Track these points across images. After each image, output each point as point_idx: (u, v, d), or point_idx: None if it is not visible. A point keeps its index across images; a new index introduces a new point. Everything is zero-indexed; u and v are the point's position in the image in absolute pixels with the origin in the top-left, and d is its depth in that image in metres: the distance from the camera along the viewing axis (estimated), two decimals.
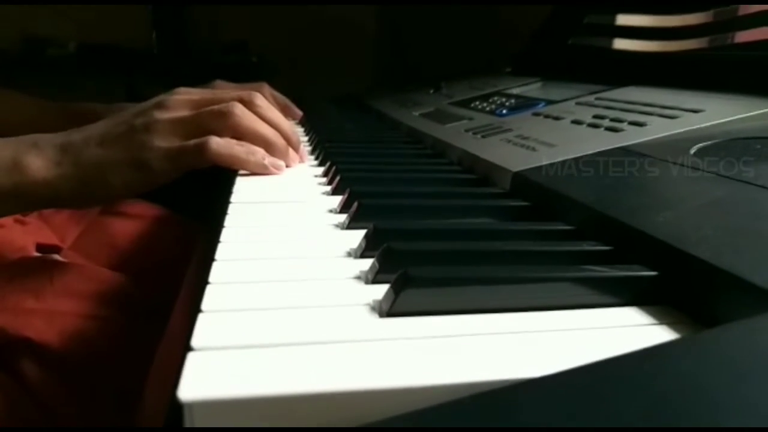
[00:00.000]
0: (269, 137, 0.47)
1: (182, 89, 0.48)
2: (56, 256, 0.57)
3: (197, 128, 0.44)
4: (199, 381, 0.17)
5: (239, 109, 0.45)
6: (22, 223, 0.61)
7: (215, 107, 0.45)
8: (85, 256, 0.64)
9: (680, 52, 0.58)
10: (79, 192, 0.42)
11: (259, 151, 0.45)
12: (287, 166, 0.48)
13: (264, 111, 0.47)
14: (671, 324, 0.22)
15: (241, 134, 0.45)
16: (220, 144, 0.42)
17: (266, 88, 0.79)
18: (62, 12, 1.77)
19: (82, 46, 1.81)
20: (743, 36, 0.54)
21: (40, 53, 1.77)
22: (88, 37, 1.80)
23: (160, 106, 0.45)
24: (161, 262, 0.65)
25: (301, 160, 0.51)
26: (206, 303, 0.22)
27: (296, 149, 0.50)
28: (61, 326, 0.46)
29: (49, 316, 0.46)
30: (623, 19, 0.69)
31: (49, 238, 0.63)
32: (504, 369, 0.18)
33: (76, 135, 0.43)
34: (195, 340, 0.19)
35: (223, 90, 0.52)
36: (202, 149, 0.42)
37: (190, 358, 0.18)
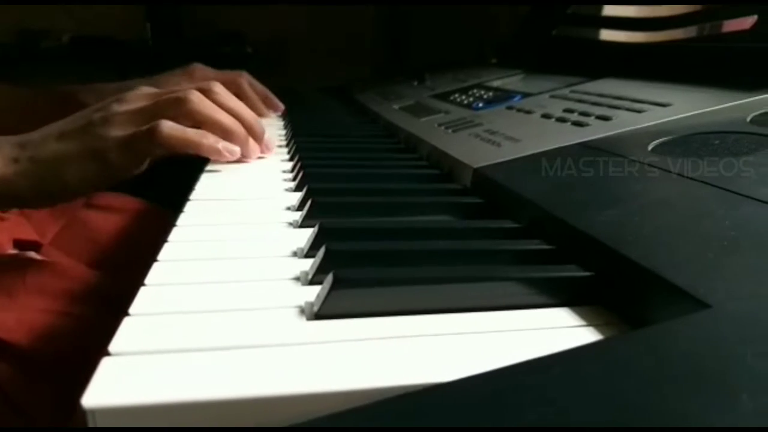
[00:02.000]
0: (227, 125, 0.46)
1: (143, 86, 0.48)
2: (32, 254, 0.57)
3: (154, 117, 0.43)
4: (107, 387, 0.17)
5: (195, 96, 0.44)
6: (0, 219, 0.61)
7: (171, 95, 0.45)
8: (66, 251, 0.64)
9: (659, 43, 0.57)
10: (37, 189, 0.42)
11: (214, 135, 0.45)
12: (245, 157, 0.48)
13: (222, 98, 0.47)
14: (600, 326, 0.22)
15: (198, 121, 0.45)
16: (171, 127, 0.42)
17: (245, 76, 0.78)
18: (57, 4, 1.76)
19: (77, 39, 1.80)
20: (722, 27, 0.53)
21: (35, 46, 1.77)
22: (83, 29, 1.80)
23: (119, 100, 0.45)
24: (144, 258, 0.65)
25: (263, 152, 0.51)
26: (135, 306, 0.22)
27: (258, 140, 0.50)
28: (32, 325, 0.46)
29: (19, 314, 0.46)
30: (605, 10, 0.69)
31: (28, 234, 0.63)
32: (417, 373, 0.18)
33: (35, 133, 0.43)
34: (113, 345, 0.19)
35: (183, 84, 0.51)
36: (153, 133, 0.42)
37: (104, 363, 0.18)
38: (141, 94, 0.45)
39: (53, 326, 0.48)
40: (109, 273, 0.58)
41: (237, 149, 0.46)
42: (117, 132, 0.42)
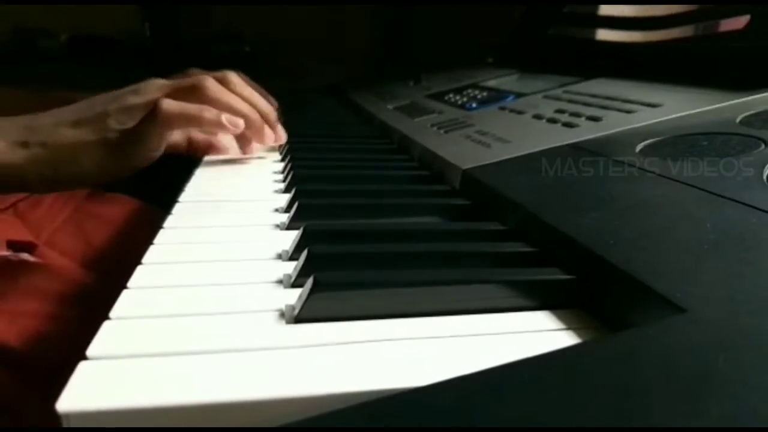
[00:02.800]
0: (244, 111, 0.47)
1: (156, 80, 0.48)
2: (26, 255, 0.58)
3: None
4: (83, 391, 0.17)
5: (210, 83, 0.45)
6: None
7: (186, 82, 0.46)
8: (60, 252, 0.64)
9: (652, 43, 0.57)
10: (47, 174, 0.43)
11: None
12: (261, 143, 0.49)
13: (238, 87, 0.48)
14: (580, 329, 0.22)
15: (214, 107, 0.45)
16: (170, 103, 0.42)
17: (240, 75, 0.79)
18: (54, 3, 1.76)
19: (74, 38, 1.80)
20: (715, 27, 0.53)
21: (32, 45, 1.77)
22: (80, 28, 1.80)
23: (134, 91, 0.46)
24: (139, 259, 0.65)
25: (277, 140, 0.51)
26: (116, 310, 0.22)
27: (273, 127, 0.51)
28: (24, 327, 0.46)
29: (11, 317, 0.46)
30: (600, 9, 0.68)
31: (23, 234, 0.63)
32: (395, 378, 0.18)
33: (44, 117, 0.44)
34: (91, 349, 0.19)
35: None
36: (154, 113, 0.42)
37: (81, 367, 0.18)
38: (157, 85, 0.46)
39: (45, 328, 0.48)
40: (104, 274, 0.58)
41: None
42: (132, 124, 0.43)
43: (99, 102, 0.45)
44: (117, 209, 0.75)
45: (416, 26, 1.62)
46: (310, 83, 1.35)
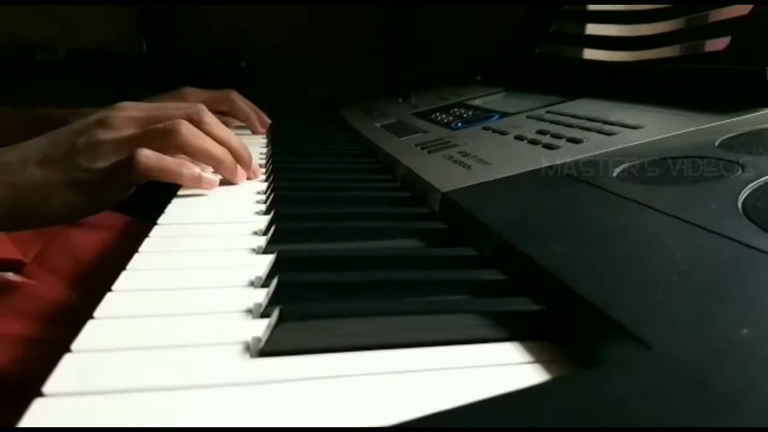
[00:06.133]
0: (217, 155, 0.46)
1: (125, 104, 0.47)
2: (10, 275, 0.57)
3: (140, 147, 0.42)
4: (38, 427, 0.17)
5: (185, 127, 0.44)
6: None
7: (160, 126, 0.44)
8: (48, 270, 0.63)
9: (635, 63, 0.57)
10: (14, 215, 0.41)
11: (194, 165, 0.44)
12: (233, 183, 0.48)
13: (212, 128, 0.46)
14: (547, 363, 0.21)
15: (188, 153, 0.45)
16: (149, 156, 0.41)
17: (234, 95, 0.79)
18: (52, 16, 1.77)
19: (71, 51, 1.81)
20: (696, 48, 0.54)
21: (29, 58, 1.78)
22: (78, 41, 1.80)
23: (102, 124, 0.44)
24: None
25: (250, 177, 0.51)
26: (78, 342, 0.22)
27: (247, 167, 0.50)
28: (4, 348, 0.46)
29: None
30: (587, 29, 0.69)
31: (10, 252, 0.63)
32: (352, 418, 0.18)
33: (10, 155, 0.42)
34: (48, 386, 0.19)
35: (169, 104, 0.50)
36: (132, 163, 0.41)
37: (35, 405, 0.18)
38: (126, 118, 0.44)
39: (26, 349, 0.47)
40: (92, 292, 0.57)
41: (216, 179, 0.46)
42: (102, 163, 0.42)
43: (65, 136, 0.43)
44: (107, 226, 0.75)
45: (413, 40, 1.63)
46: (309, 93, 1.36)
